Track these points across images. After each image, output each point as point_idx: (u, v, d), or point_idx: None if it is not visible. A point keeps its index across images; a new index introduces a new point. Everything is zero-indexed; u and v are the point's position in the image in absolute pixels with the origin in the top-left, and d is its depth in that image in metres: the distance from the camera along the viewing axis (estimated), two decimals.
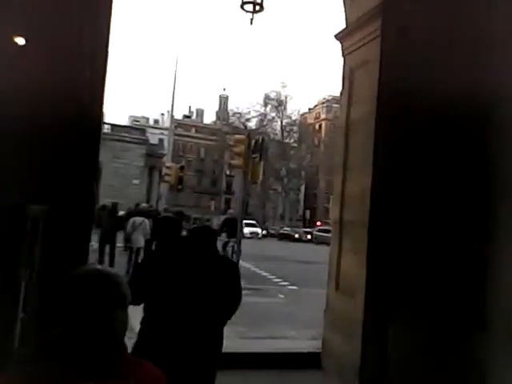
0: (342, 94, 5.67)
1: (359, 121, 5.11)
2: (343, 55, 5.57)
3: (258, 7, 6.26)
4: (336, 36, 5.61)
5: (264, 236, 39.29)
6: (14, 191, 3.34)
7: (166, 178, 17.25)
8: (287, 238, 38.14)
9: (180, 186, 16.98)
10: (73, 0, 3.75)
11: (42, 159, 3.54)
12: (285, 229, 42.19)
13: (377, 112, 4.69)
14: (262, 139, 11.31)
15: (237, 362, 4.64)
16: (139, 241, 11.05)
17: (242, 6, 6.38)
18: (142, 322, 3.15)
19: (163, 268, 3.14)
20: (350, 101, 5.38)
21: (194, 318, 3.05)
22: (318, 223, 46.13)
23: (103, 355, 1.24)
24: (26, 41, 3.56)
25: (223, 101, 69.03)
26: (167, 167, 18.02)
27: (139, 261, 9.09)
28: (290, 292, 10.99)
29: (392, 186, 4.60)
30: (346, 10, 5.45)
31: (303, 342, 5.89)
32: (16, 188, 3.35)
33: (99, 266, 1.38)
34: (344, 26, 5.47)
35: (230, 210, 33.41)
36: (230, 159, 57.51)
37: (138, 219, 11.35)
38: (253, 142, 10.60)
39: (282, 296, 10.24)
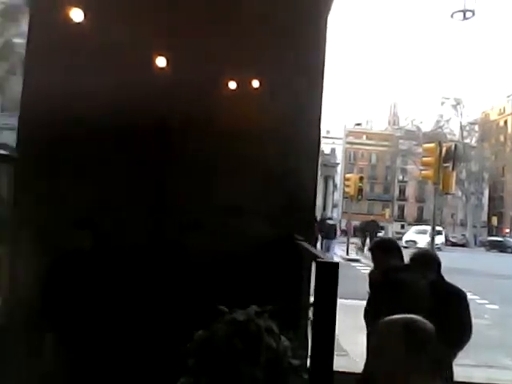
0: None
1: None
2: None
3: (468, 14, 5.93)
4: None
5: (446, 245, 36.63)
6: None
7: (346, 189, 17.33)
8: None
9: (360, 197, 16.90)
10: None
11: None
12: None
13: None
14: (455, 146, 10.60)
15: None
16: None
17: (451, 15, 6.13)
18: None
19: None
20: None
21: None
22: (507, 230, 41.39)
23: None
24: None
25: (393, 105, 66.87)
26: (346, 179, 18.09)
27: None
28: (492, 312, 10.05)
29: None
30: None
31: None
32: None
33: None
34: None
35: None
36: (404, 165, 55.47)
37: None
38: (443, 149, 10.02)
39: (487, 316, 9.41)
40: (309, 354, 1.94)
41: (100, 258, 3.62)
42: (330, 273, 1.42)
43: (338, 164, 37.15)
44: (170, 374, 1.81)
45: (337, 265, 1.50)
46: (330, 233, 15.91)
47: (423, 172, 11.33)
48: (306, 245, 2.77)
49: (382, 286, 3.25)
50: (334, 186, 34.72)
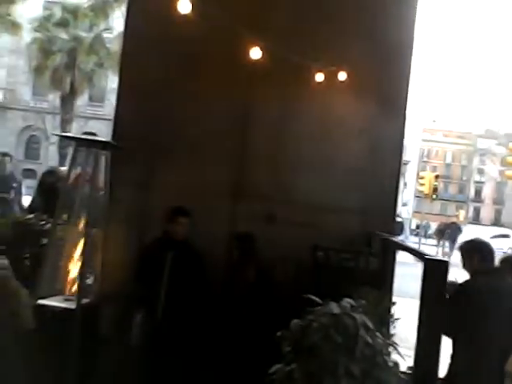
0: None
1: None
2: None
3: None
4: None
5: None
6: None
7: (420, 187, 16.75)
8: None
9: (435, 196, 16.26)
10: None
11: None
12: None
13: None
14: None
15: None
16: None
17: None
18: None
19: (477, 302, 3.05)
20: None
21: None
22: None
23: None
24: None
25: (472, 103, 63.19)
26: (421, 177, 17.47)
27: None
28: None
29: None
30: None
31: None
32: None
33: None
34: None
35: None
36: (481, 164, 52.45)
37: None
38: None
39: None
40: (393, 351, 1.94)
41: (188, 245, 3.80)
42: (439, 271, 1.39)
43: (409, 162, 35.91)
44: (265, 360, 1.88)
45: (447, 263, 1.47)
46: (395, 230, 15.39)
47: (507, 172, 10.70)
48: (399, 241, 2.74)
49: (469, 289, 3.14)
50: (404, 184, 33.63)
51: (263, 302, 3.65)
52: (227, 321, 3.63)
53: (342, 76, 3.92)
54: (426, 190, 16.20)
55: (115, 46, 22.30)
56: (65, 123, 23.88)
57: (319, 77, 3.87)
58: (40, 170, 23.02)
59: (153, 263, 3.67)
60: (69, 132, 23.93)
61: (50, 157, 25.94)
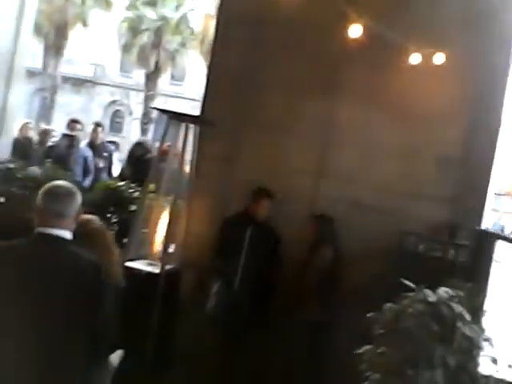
0: None
1: None
2: None
3: None
4: None
5: None
6: None
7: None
8: None
9: None
10: None
11: None
12: None
13: None
14: None
15: None
16: None
17: None
18: None
19: None
20: None
21: None
22: None
23: None
24: None
25: None
26: None
27: None
28: None
29: None
30: None
31: None
32: None
33: None
34: None
35: None
36: None
37: None
38: None
39: None
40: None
41: (268, 223, 3.84)
42: None
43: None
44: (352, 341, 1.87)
45: None
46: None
47: None
48: (499, 233, 2.59)
49: None
50: None
51: (336, 285, 3.64)
52: (299, 300, 3.65)
53: (439, 59, 3.72)
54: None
55: (199, 27, 22.82)
56: (148, 100, 24.88)
57: (415, 58, 3.71)
58: (122, 142, 24.23)
59: (232, 236, 3.76)
60: (151, 108, 24.97)
61: (132, 131, 27.19)
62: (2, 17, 4.87)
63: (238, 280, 3.63)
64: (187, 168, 3.99)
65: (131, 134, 26.56)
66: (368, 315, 1.78)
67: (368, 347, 1.71)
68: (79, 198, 2.01)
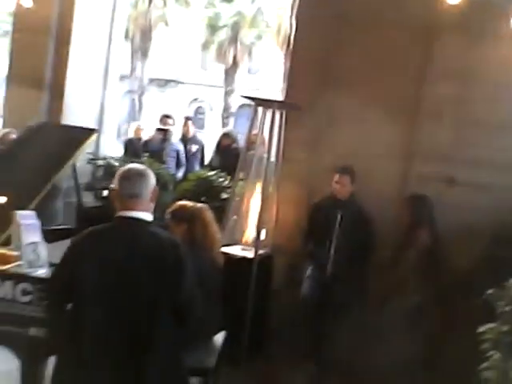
0: None
1: None
2: None
3: None
4: None
5: None
6: None
7: None
8: None
9: None
10: None
11: None
12: None
13: None
14: None
15: None
16: None
17: None
18: None
19: None
20: None
21: None
22: None
23: None
24: None
25: None
26: None
27: None
28: None
29: None
30: None
31: None
32: None
33: None
34: None
35: None
36: None
37: None
38: None
39: None
40: None
41: (357, 205, 3.80)
42: None
43: None
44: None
45: None
46: None
47: None
48: None
49: None
50: None
51: (435, 269, 3.50)
52: (399, 284, 3.56)
53: None
54: None
55: (274, 18, 22.83)
56: (227, 95, 25.40)
57: None
58: (204, 137, 24.93)
59: (323, 220, 3.75)
60: (230, 102, 25.47)
61: (213, 125, 27.97)
62: (98, 23, 5.23)
63: (330, 263, 3.62)
64: (274, 154, 4.05)
65: (213, 128, 27.32)
66: (489, 292, 1.69)
67: (491, 325, 1.63)
68: (152, 179, 2.06)
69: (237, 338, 3.43)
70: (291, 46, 4.42)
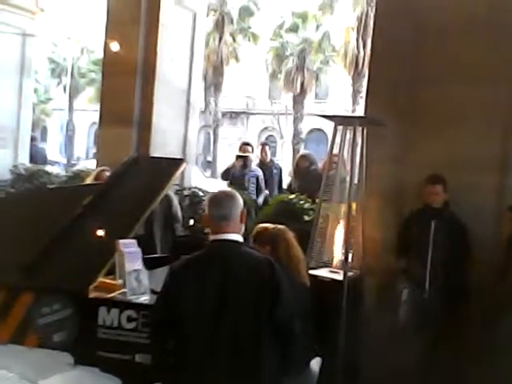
0: None
1: None
2: None
3: None
4: None
5: None
6: None
7: None
8: None
9: None
10: None
11: None
12: None
13: None
14: None
15: None
16: None
17: None
18: None
19: None
20: None
21: None
22: None
23: None
24: None
25: None
26: None
27: None
28: None
29: None
30: None
31: None
32: None
33: None
34: None
35: None
36: None
37: None
38: None
39: None
40: None
41: (451, 215, 3.60)
42: None
43: None
44: None
45: None
46: None
47: None
48: None
49: None
50: None
51: None
52: (504, 301, 3.28)
53: None
54: None
55: (340, 41, 22.89)
56: (296, 121, 25.60)
57: None
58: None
59: (415, 234, 3.60)
60: (300, 129, 25.60)
61: (284, 153, 28.18)
62: (179, 61, 5.55)
63: (427, 279, 3.43)
64: (357, 172, 3.96)
65: (284, 155, 27.54)
66: None
67: None
68: (240, 201, 2.12)
69: (330, 364, 3.32)
70: (369, 58, 4.37)
